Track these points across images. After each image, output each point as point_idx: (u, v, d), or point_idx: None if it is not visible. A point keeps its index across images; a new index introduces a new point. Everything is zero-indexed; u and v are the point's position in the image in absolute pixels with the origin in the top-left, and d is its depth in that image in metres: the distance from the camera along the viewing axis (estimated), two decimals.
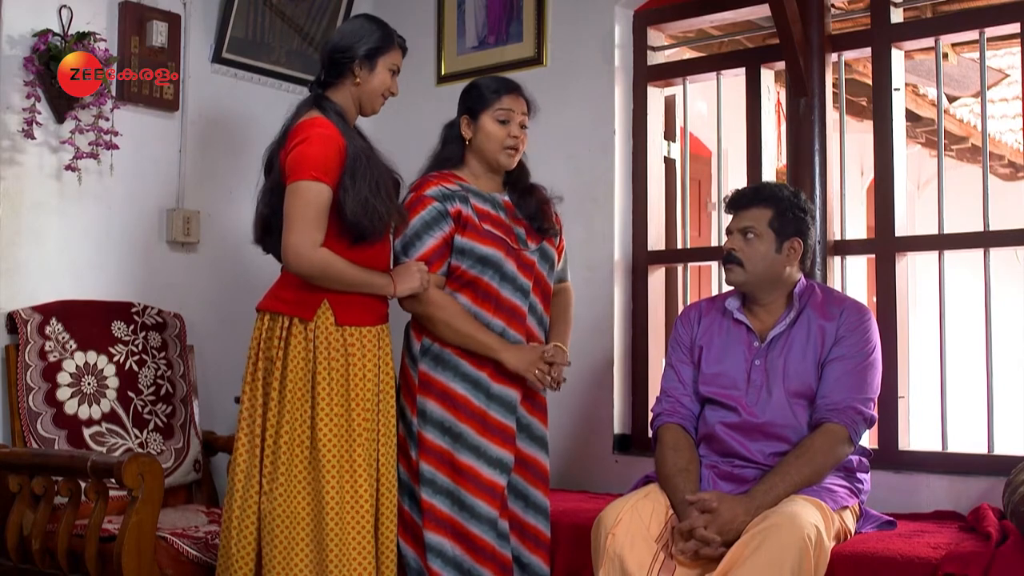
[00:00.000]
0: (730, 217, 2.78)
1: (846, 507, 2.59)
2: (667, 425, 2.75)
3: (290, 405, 2.62)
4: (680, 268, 3.73)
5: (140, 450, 3.26)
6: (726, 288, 2.86)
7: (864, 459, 2.74)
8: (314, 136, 2.60)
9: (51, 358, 3.18)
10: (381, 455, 2.68)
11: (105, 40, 3.40)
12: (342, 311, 2.65)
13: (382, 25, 2.78)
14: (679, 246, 3.76)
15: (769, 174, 3.50)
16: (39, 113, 3.25)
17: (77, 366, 3.23)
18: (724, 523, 2.44)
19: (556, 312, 2.91)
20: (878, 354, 2.69)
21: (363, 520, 2.59)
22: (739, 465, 2.67)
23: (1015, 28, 3.17)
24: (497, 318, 2.74)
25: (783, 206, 2.71)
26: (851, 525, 2.61)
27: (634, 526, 2.51)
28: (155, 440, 3.34)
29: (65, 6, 3.34)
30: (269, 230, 2.71)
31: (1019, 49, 3.22)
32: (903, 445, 3.17)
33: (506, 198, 2.86)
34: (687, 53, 4.02)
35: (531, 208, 2.85)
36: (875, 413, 2.65)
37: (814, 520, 2.38)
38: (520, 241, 2.80)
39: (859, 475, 2.71)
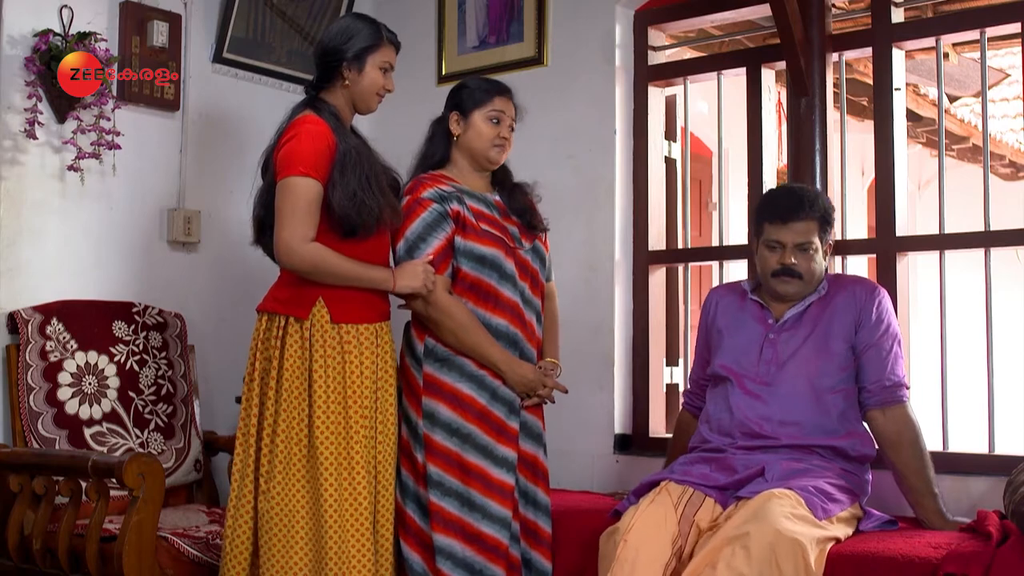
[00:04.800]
0: (773, 225, 2.82)
1: (841, 511, 2.59)
2: (683, 411, 3.15)
3: (286, 404, 2.62)
4: (681, 268, 3.73)
5: (141, 450, 3.26)
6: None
7: (863, 448, 2.77)
8: (303, 133, 2.60)
9: (52, 358, 3.19)
10: (379, 453, 2.68)
11: (106, 40, 3.40)
12: (337, 309, 2.65)
13: (370, 23, 2.75)
14: (680, 246, 3.76)
15: (770, 174, 3.50)
16: (40, 113, 3.26)
17: (78, 366, 3.23)
18: None
19: (546, 320, 2.92)
20: (897, 329, 2.85)
21: (362, 519, 2.59)
22: (762, 444, 2.73)
23: (1016, 28, 3.17)
24: (499, 316, 2.75)
25: (826, 216, 2.84)
26: (849, 530, 2.60)
27: (646, 531, 2.51)
28: (156, 440, 3.34)
29: (66, 6, 3.34)
30: (265, 230, 2.72)
31: (1020, 49, 3.22)
32: None
33: (496, 197, 2.87)
34: (688, 53, 4.01)
35: (520, 205, 2.87)
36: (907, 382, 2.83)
37: (795, 528, 2.37)
38: (516, 240, 2.81)
39: (857, 472, 2.75)
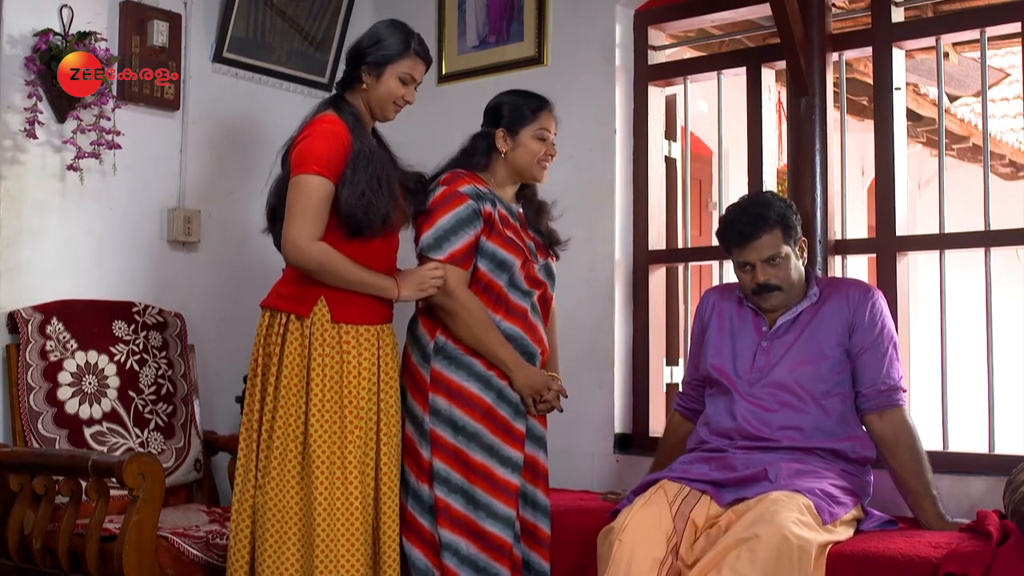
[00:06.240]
0: (736, 248, 2.81)
1: (845, 513, 2.59)
2: (674, 412, 3.12)
3: (284, 401, 2.63)
4: (681, 268, 3.73)
5: (141, 450, 3.26)
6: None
7: (863, 451, 2.77)
8: (318, 132, 2.62)
9: (52, 357, 3.18)
10: (382, 454, 2.68)
11: (106, 40, 3.40)
12: (338, 308, 2.65)
13: (401, 33, 2.74)
14: (680, 246, 3.76)
15: (770, 174, 3.50)
16: (40, 113, 3.26)
17: (78, 365, 3.23)
18: None
19: (548, 334, 2.93)
20: (892, 331, 2.84)
21: (352, 518, 2.59)
22: (762, 445, 2.73)
23: (1016, 27, 3.17)
24: (509, 322, 2.77)
25: (786, 219, 2.80)
26: (850, 531, 2.60)
27: (641, 531, 2.52)
28: (156, 439, 3.34)
29: (66, 6, 3.34)
30: (276, 219, 2.73)
31: (1020, 48, 3.22)
32: None
33: (520, 210, 2.89)
34: (688, 52, 4.01)
35: (542, 224, 2.92)
36: (904, 386, 2.83)
37: (803, 533, 2.38)
38: (532, 254, 2.84)
39: (858, 473, 2.74)
